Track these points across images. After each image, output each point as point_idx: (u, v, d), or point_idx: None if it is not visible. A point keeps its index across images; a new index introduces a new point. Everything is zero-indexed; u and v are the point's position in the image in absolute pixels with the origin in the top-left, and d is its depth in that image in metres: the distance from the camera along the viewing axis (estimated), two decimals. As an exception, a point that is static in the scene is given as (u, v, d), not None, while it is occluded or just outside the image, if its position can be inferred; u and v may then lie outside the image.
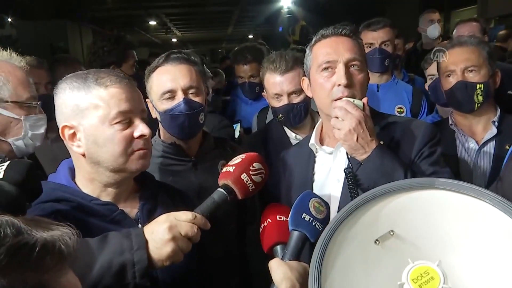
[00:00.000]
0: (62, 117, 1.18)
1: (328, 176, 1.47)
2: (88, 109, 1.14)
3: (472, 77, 1.89)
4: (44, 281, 0.54)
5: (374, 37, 2.62)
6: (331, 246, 0.92)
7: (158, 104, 1.63)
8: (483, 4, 8.18)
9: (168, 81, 1.60)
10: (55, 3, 10.27)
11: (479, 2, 8.29)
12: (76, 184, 1.21)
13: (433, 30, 3.72)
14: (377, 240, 0.91)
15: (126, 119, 1.16)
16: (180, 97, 1.59)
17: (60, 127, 1.17)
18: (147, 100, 1.69)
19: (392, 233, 0.91)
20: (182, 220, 1.07)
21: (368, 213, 0.93)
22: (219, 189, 1.19)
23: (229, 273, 1.72)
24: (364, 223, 0.93)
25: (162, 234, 1.04)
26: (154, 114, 1.68)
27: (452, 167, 1.62)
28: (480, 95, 1.87)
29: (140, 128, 1.17)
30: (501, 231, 0.82)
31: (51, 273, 0.56)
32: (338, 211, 1.36)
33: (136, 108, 1.19)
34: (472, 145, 1.96)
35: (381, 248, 0.91)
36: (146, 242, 1.04)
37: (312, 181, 1.49)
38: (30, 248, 0.54)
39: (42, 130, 1.56)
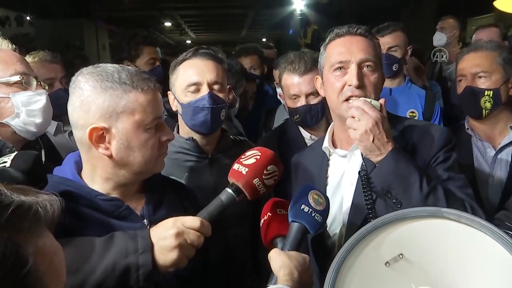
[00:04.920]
0: (89, 117, 1.10)
1: (342, 179, 1.46)
2: (124, 112, 1.10)
3: (482, 82, 1.89)
4: (17, 241, 0.55)
5: (382, 43, 2.54)
6: (343, 268, 0.95)
7: (181, 96, 1.64)
8: (501, 12, 8.07)
9: (195, 74, 1.61)
10: (72, 2, 10.42)
11: (496, 10, 8.20)
12: (81, 179, 1.19)
13: (435, 38, 3.73)
14: (387, 262, 0.94)
15: (156, 125, 1.16)
16: (205, 90, 1.60)
17: (86, 129, 1.10)
18: (168, 92, 1.72)
19: (401, 256, 0.94)
20: (190, 227, 1.06)
21: (379, 237, 0.97)
22: (227, 189, 1.19)
23: (243, 274, 1.72)
24: (375, 246, 0.96)
25: (169, 240, 1.03)
26: (175, 107, 1.69)
27: (467, 173, 1.61)
28: (489, 102, 1.86)
29: (167, 133, 1.19)
30: (500, 264, 0.85)
31: (25, 234, 0.56)
32: (349, 214, 1.38)
33: (162, 111, 1.20)
34: (489, 150, 1.94)
35: (391, 270, 0.94)
36: (152, 245, 1.03)
37: (326, 185, 1.48)
38: (4, 207, 0.55)
39: (39, 106, 1.55)
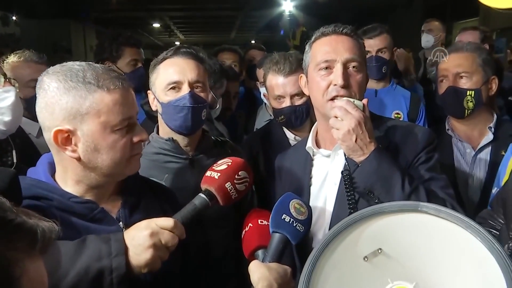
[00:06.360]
0: (53, 119, 1.07)
1: (326, 179, 1.46)
2: (89, 114, 1.06)
3: (464, 83, 1.92)
4: (9, 257, 0.55)
5: (371, 45, 2.62)
6: (319, 263, 0.95)
7: (161, 95, 1.62)
8: (485, 17, 8.22)
9: (176, 73, 1.59)
10: (60, 3, 10.31)
11: (481, 15, 8.34)
12: (55, 181, 1.15)
13: (423, 39, 3.80)
14: (365, 257, 0.94)
15: (127, 125, 1.12)
16: (186, 89, 1.58)
17: (51, 131, 1.07)
18: (148, 92, 1.69)
19: (380, 251, 0.94)
20: (164, 227, 1.05)
21: (357, 231, 0.96)
22: (201, 194, 1.19)
23: (225, 276, 1.71)
24: (352, 241, 0.96)
25: (143, 240, 1.02)
26: (155, 107, 1.67)
27: (448, 173, 1.63)
28: (471, 102, 1.90)
29: (139, 133, 1.15)
30: (477, 259, 0.85)
31: (19, 253, 0.56)
32: (332, 214, 1.38)
33: (135, 111, 1.15)
34: (469, 150, 1.97)
35: (369, 265, 0.94)
36: (126, 248, 1.02)
37: (310, 185, 1.48)
38: (7, 222, 0.56)
39: (7, 103, 1.52)
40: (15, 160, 1.63)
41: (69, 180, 1.15)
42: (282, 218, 1.15)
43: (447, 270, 0.89)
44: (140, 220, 1.09)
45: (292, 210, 1.17)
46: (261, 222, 1.25)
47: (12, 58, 2.19)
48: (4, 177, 0.99)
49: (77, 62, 1.13)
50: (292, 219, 1.16)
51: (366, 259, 0.94)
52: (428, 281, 0.89)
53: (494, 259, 0.82)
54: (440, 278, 0.89)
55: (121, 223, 1.17)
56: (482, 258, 0.84)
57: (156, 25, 15.49)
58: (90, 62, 1.15)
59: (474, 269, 0.86)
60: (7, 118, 1.53)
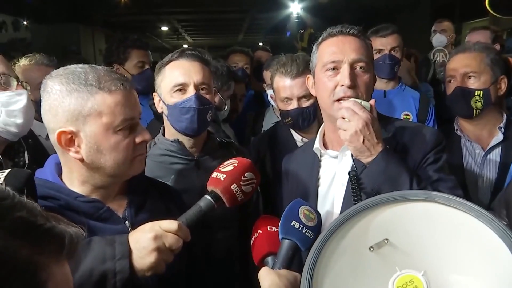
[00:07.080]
0: (57, 121, 1.09)
1: (333, 180, 1.45)
2: (91, 115, 1.08)
3: (472, 83, 1.90)
4: (37, 261, 0.56)
5: (383, 43, 2.60)
6: (325, 252, 0.93)
7: (167, 97, 1.63)
8: (495, 16, 8.14)
9: (181, 75, 1.60)
10: (69, 7, 10.44)
11: (491, 14, 8.26)
12: (62, 181, 1.17)
13: (435, 40, 3.80)
14: (371, 247, 0.93)
15: (129, 126, 1.13)
16: (191, 91, 1.59)
17: (55, 133, 1.09)
18: (154, 94, 1.71)
19: (386, 241, 0.92)
20: (168, 230, 1.05)
21: (363, 220, 0.95)
22: (206, 196, 1.19)
23: (230, 277, 1.71)
24: (359, 230, 0.94)
25: (147, 243, 1.02)
26: (160, 109, 1.68)
27: (457, 173, 1.62)
28: (479, 102, 1.87)
29: (142, 134, 1.16)
30: (485, 245, 0.84)
31: (47, 257, 0.57)
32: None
33: (137, 112, 1.16)
34: (478, 151, 1.95)
35: (375, 255, 0.92)
36: (130, 251, 1.02)
37: (317, 186, 1.47)
38: (37, 226, 0.57)
39: (19, 106, 1.54)
40: (27, 161, 1.65)
41: (75, 181, 1.16)
42: (292, 224, 1.14)
43: (456, 258, 0.88)
44: (145, 220, 1.10)
45: (301, 217, 1.16)
46: (270, 228, 1.24)
47: (23, 62, 2.23)
48: (20, 177, 1.01)
49: (80, 65, 1.14)
50: (301, 226, 1.15)
51: (372, 249, 0.92)
52: (437, 270, 0.87)
53: (507, 247, 0.80)
54: (449, 266, 0.88)
55: (127, 222, 1.18)
56: (493, 246, 0.82)
57: (165, 28, 15.62)
58: (93, 65, 1.16)
59: (484, 257, 0.84)
60: (19, 120, 1.55)
